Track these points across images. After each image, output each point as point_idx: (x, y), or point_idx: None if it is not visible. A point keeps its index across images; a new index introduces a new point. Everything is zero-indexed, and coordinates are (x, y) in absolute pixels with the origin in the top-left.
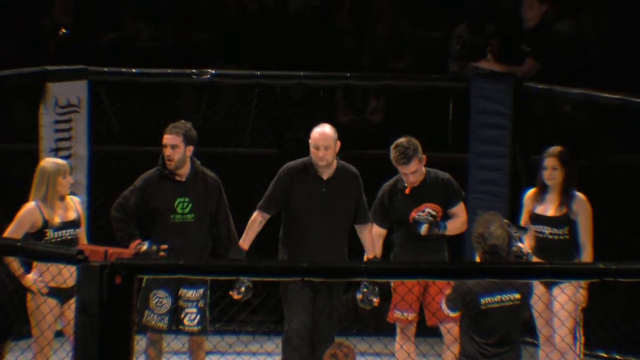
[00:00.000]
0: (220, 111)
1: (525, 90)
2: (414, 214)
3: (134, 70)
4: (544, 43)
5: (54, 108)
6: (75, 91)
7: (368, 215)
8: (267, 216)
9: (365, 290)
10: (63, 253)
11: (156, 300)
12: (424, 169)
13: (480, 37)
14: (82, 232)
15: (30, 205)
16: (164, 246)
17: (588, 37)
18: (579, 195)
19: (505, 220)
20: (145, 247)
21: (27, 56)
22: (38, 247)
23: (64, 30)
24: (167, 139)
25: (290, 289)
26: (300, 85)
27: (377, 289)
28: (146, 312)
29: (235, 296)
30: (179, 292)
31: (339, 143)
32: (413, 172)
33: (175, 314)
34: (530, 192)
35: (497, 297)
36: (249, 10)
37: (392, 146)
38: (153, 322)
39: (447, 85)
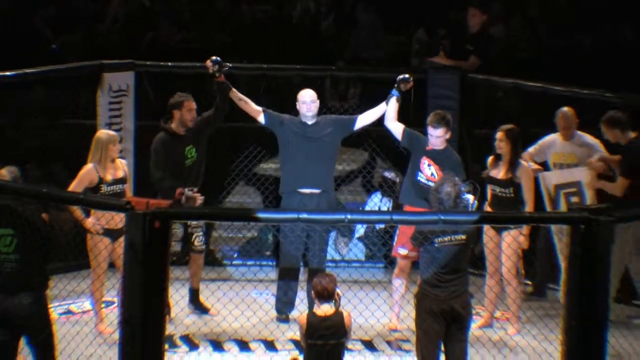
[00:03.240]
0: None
1: (469, 80)
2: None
3: (169, 64)
4: (483, 44)
5: (108, 92)
6: (124, 79)
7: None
8: (261, 110)
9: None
10: (115, 203)
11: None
12: (445, 142)
13: (435, 39)
14: (128, 187)
15: (89, 166)
16: (195, 190)
17: (517, 38)
18: (523, 163)
19: (457, 179)
20: (187, 192)
21: (86, 51)
22: (95, 198)
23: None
24: (194, 105)
25: (285, 234)
26: (298, 76)
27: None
28: None
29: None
30: (188, 222)
31: (318, 101)
32: (437, 137)
33: (186, 239)
34: (491, 158)
35: (448, 238)
36: (259, 18)
37: (433, 113)
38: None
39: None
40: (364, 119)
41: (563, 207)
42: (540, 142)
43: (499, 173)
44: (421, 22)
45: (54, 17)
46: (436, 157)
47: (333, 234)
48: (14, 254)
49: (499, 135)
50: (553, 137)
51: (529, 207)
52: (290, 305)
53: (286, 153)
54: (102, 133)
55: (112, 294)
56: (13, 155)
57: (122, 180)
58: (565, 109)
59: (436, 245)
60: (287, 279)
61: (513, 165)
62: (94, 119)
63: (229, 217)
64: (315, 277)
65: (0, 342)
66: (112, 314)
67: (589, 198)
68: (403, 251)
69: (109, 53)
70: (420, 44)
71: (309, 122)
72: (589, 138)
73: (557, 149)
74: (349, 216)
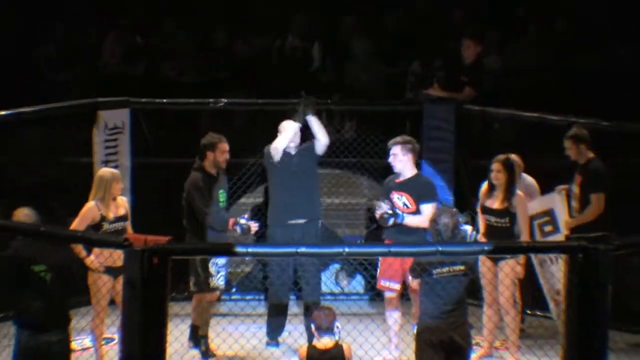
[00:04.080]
0: (234, 130)
1: (464, 111)
2: (393, 199)
3: (164, 100)
4: (478, 75)
5: (104, 130)
6: (120, 116)
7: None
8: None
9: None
10: (113, 240)
11: (214, 267)
12: (414, 169)
13: (429, 71)
14: (128, 224)
15: (91, 204)
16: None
17: (512, 69)
18: (519, 193)
19: (455, 210)
20: (242, 222)
21: (83, 89)
22: (94, 236)
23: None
24: (227, 147)
25: (273, 267)
26: (293, 110)
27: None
28: (210, 279)
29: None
30: (216, 259)
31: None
32: (393, 154)
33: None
34: (484, 188)
35: (447, 269)
36: (254, 53)
37: None
38: (214, 284)
39: (405, 108)
40: (319, 139)
41: (538, 237)
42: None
43: (494, 203)
44: (416, 53)
45: (53, 53)
46: (404, 186)
47: (335, 267)
48: (48, 290)
49: (496, 166)
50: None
51: (524, 237)
52: (282, 328)
53: (272, 185)
54: (106, 171)
55: (113, 331)
56: (10, 193)
57: (123, 218)
58: (512, 156)
59: (434, 276)
60: (276, 312)
61: (510, 194)
62: (90, 157)
63: (211, 252)
64: (315, 310)
65: None
66: (112, 351)
67: (563, 223)
68: (388, 284)
69: (104, 89)
70: (415, 76)
71: (292, 152)
72: (529, 179)
73: None
74: (347, 249)
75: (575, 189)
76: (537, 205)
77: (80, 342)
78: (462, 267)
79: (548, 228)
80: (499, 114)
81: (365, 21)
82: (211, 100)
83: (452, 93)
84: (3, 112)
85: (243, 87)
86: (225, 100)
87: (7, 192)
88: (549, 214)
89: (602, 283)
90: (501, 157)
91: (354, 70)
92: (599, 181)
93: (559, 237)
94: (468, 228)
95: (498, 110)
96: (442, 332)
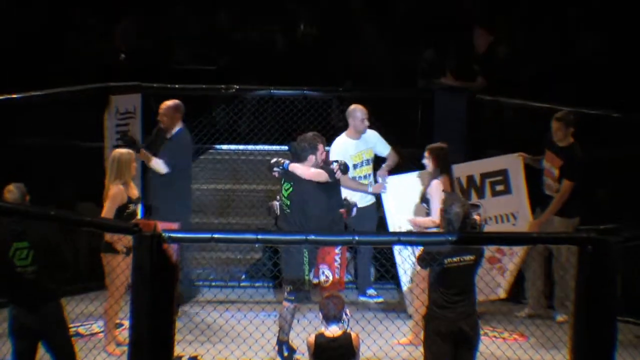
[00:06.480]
0: (244, 117)
1: (476, 100)
2: None
3: (176, 86)
4: (490, 65)
5: (115, 114)
6: (131, 101)
7: None
8: None
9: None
10: (123, 226)
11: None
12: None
13: (442, 59)
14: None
15: (118, 187)
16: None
17: (522, 59)
18: (437, 180)
19: (465, 200)
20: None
21: (94, 73)
22: (103, 220)
23: (122, 55)
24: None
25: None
26: (304, 98)
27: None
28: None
29: None
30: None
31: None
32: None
33: None
34: None
35: (457, 259)
36: (264, 40)
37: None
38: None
39: (417, 96)
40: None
41: (488, 195)
42: (335, 150)
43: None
44: (428, 42)
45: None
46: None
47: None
48: (31, 266)
49: (426, 153)
50: (343, 142)
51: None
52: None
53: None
54: (124, 153)
55: (122, 317)
56: (19, 176)
57: (139, 199)
58: (360, 106)
59: (445, 265)
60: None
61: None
62: (101, 142)
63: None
64: (323, 299)
65: (21, 352)
66: (121, 336)
67: (518, 186)
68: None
69: (116, 74)
70: (428, 64)
71: None
72: (372, 132)
73: (352, 150)
74: (357, 238)
75: (555, 171)
76: (490, 164)
77: (89, 327)
78: (472, 257)
79: (500, 187)
80: (510, 103)
81: (376, 6)
82: (223, 86)
83: (464, 82)
84: (15, 95)
85: (252, 75)
86: (237, 87)
87: (16, 175)
88: (502, 174)
89: (612, 275)
90: (431, 145)
91: (364, 57)
92: (577, 169)
93: (511, 198)
94: (477, 217)
95: (509, 100)
96: (451, 322)
